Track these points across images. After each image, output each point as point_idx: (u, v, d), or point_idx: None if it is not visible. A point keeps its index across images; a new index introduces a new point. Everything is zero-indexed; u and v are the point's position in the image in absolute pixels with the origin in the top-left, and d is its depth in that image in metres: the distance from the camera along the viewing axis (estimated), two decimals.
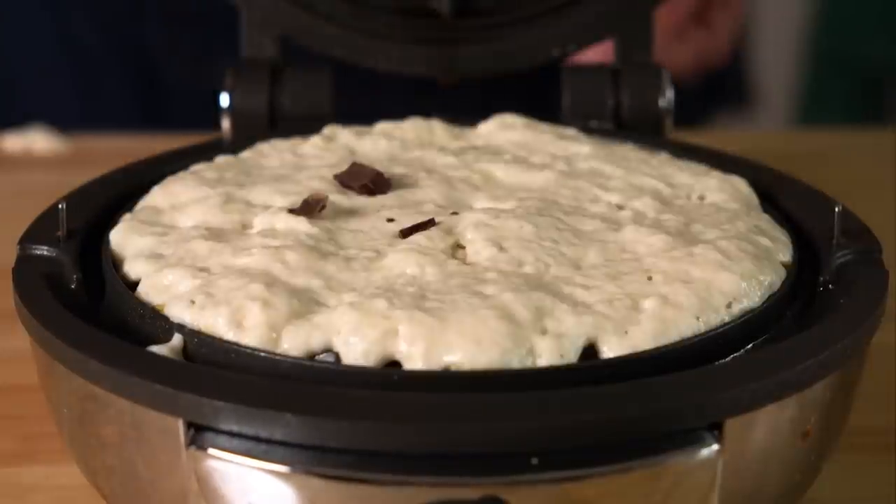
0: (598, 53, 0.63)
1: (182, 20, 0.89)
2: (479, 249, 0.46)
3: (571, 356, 0.42)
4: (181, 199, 0.51)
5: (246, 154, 0.56)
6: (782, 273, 0.47)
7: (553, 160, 0.54)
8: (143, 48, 0.90)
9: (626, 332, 0.42)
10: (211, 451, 0.39)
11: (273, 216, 0.48)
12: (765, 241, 0.48)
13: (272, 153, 0.56)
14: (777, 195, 0.54)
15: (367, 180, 0.51)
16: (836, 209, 0.49)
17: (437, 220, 0.48)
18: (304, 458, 0.39)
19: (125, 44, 0.90)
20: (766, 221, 0.50)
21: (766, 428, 0.41)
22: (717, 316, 0.44)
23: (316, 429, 0.38)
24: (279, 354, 0.42)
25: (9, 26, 0.92)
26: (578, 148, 0.56)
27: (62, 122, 0.86)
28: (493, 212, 0.49)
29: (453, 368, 0.41)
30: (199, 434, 0.40)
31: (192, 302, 0.43)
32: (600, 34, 0.63)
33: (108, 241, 0.49)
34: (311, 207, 0.49)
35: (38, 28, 0.91)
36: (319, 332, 0.42)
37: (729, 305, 0.44)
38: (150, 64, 0.90)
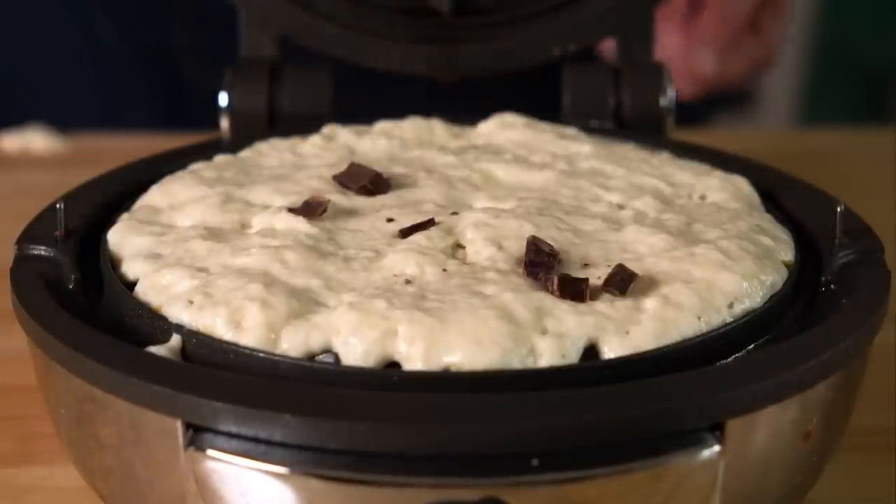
0: None
1: (203, 21, 0.88)
2: (478, 249, 0.46)
3: (572, 356, 0.41)
4: (180, 199, 0.51)
5: (245, 153, 0.56)
6: (784, 273, 0.47)
7: (553, 159, 0.54)
8: (164, 49, 0.90)
9: (627, 332, 0.42)
10: (209, 452, 0.39)
11: (272, 216, 0.48)
12: (766, 241, 0.47)
13: (271, 152, 0.56)
14: (779, 195, 0.53)
15: (366, 181, 0.50)
16: (839, 209, 0.48)
17: (436, 219, 0.48)
18: (304, 459, 0.38)
19: (146, 45, 0.90)
20: (767, 221, 0.50)
21: (768, 429, 0.41)
22: (719, 316, 0.44)
23: (315, 430, 0.38)
24: (278, 355, 0.42)
25: (29, 27, 0.92)
26: (579, 147, 0.56)
27: (80, 122, 0.86)
28: (493, 211, 0.49)
29: (453, 369, 0.41)
30: (197, 435, 0.39)
31: (191, 302, 0.43)
32: (601, 33, 0.63)
33: (105, 241, 0.48)
34: (312, 209, 0.48)
35: (58, 29, 0.90)
36: (319, 332, 0.42)
37: (730, 305, 0.44)
38: (171, 65, 0.90)
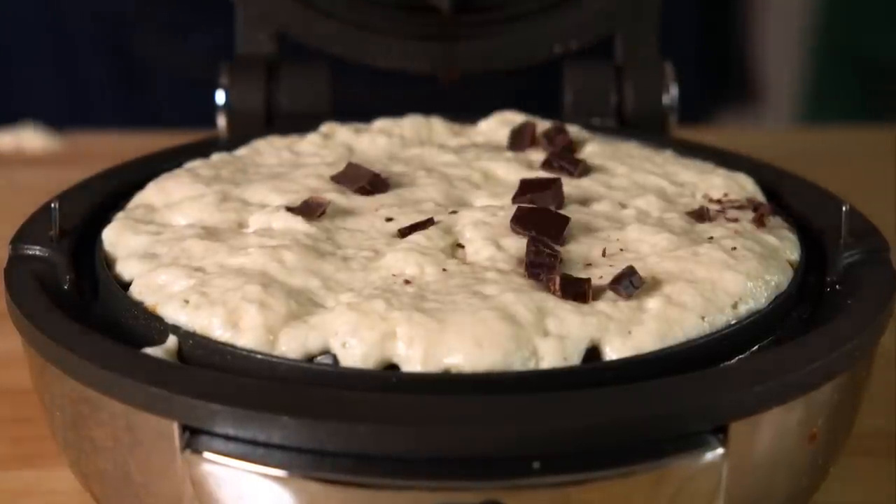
0: None
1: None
2: (478, 248, 0.46)
3: (574, 358, 0.41)
4: (176, 197, 0.50)
5: (242, 151, 0.55)
6: (789, 273, 0.46)
7: None
8: (128, 39, 0.90)
9: (629, 333, 0.42)
10: (206, 454, 0.39)
11: (270, 215, 0.48)
12: (771, 240, 0.47)
13: (269, 151, 0.55)
14: (783, 194, 0.53)
15: (365, 182, 0.50)
16: (844, 208, 0.48)
17: (436, 219, 0.47)
18: (302, 461, 0.38)
19: (111, 32, 0.90)
20: (771, 220, 0.49)
21: (773, 431, 0.40)
22: (723, 316, 0.43)
23: (313, 432, 0.38)
24: (276, 356, 0.41)
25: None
26: (581, 146, 0.55)
27: (50, 114, 0.85)
28: (493, 210, 0.48)
29: (454, 371, 0.40)
30: (194, 437, 0.39)
31: (186, 301, 0.43)
32: (603, 31, 0.62)
33: (101, 241, 0.48)
34: (311, 210, 0.48)
35: (29, 18, 0.90)
36: (317, 333, 0.41)
37: (734, 306, 0.44)
38: (126, 41, 0.90)
